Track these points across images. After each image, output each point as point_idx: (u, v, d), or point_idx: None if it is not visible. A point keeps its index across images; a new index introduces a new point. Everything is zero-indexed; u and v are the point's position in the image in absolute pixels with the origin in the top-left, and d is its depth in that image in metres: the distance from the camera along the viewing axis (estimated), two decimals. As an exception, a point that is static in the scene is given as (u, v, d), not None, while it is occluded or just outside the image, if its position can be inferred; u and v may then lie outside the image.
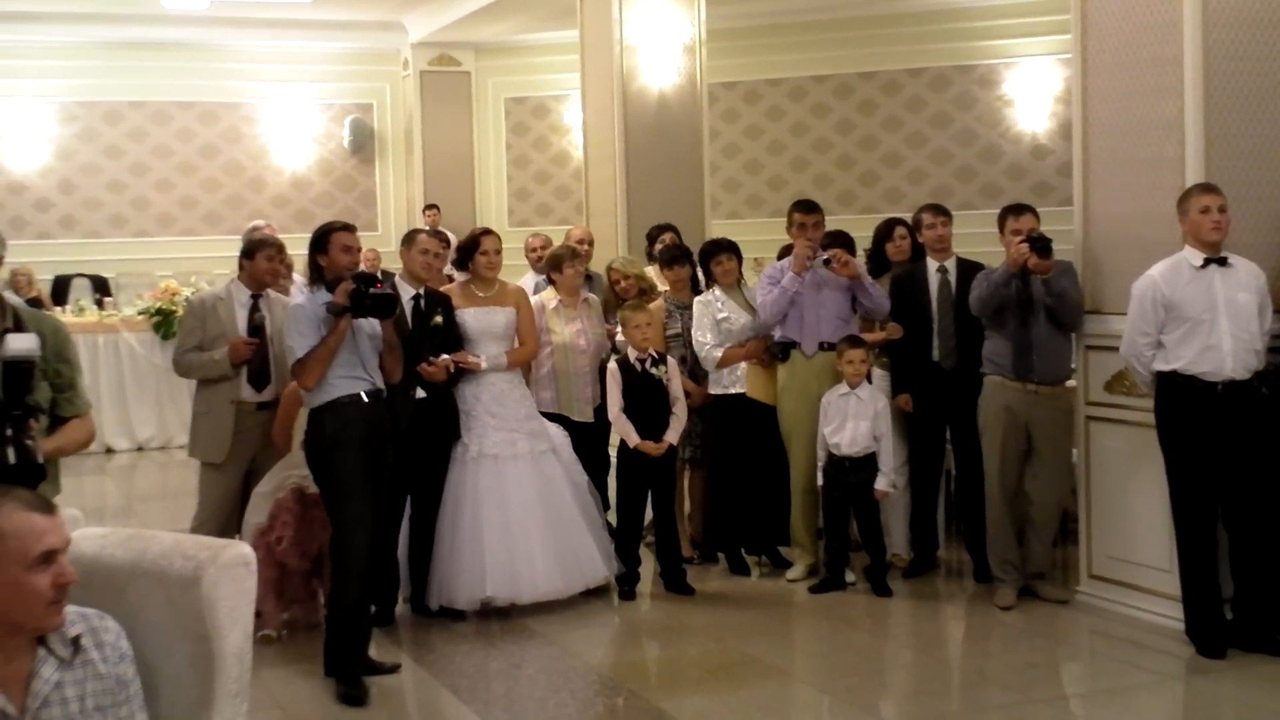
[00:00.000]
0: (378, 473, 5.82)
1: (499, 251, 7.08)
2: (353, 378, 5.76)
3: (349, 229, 5.98)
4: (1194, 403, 5.86)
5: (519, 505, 6.78)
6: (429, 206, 15.31)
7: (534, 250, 9.15)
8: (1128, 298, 6.13)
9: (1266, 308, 5.99)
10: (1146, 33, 6.35)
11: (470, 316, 6.92)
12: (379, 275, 6.14)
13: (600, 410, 7.45)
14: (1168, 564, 6.19)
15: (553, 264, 7.61)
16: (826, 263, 7.11)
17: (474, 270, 7.06)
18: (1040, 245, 6.52)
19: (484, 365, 6.85)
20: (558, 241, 8.42)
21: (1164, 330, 5.95)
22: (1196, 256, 5.92)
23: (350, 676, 5.64)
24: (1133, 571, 6.46)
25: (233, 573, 3.09)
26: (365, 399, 5.77)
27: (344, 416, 5.72)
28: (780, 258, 7.65)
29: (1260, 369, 5.99)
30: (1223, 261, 5.93)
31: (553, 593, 6.76)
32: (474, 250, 7.06)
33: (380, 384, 5.89)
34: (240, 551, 3.14)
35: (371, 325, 5.80)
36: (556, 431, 7.18)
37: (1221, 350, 5.87)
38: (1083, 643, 6.36)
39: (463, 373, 6.82)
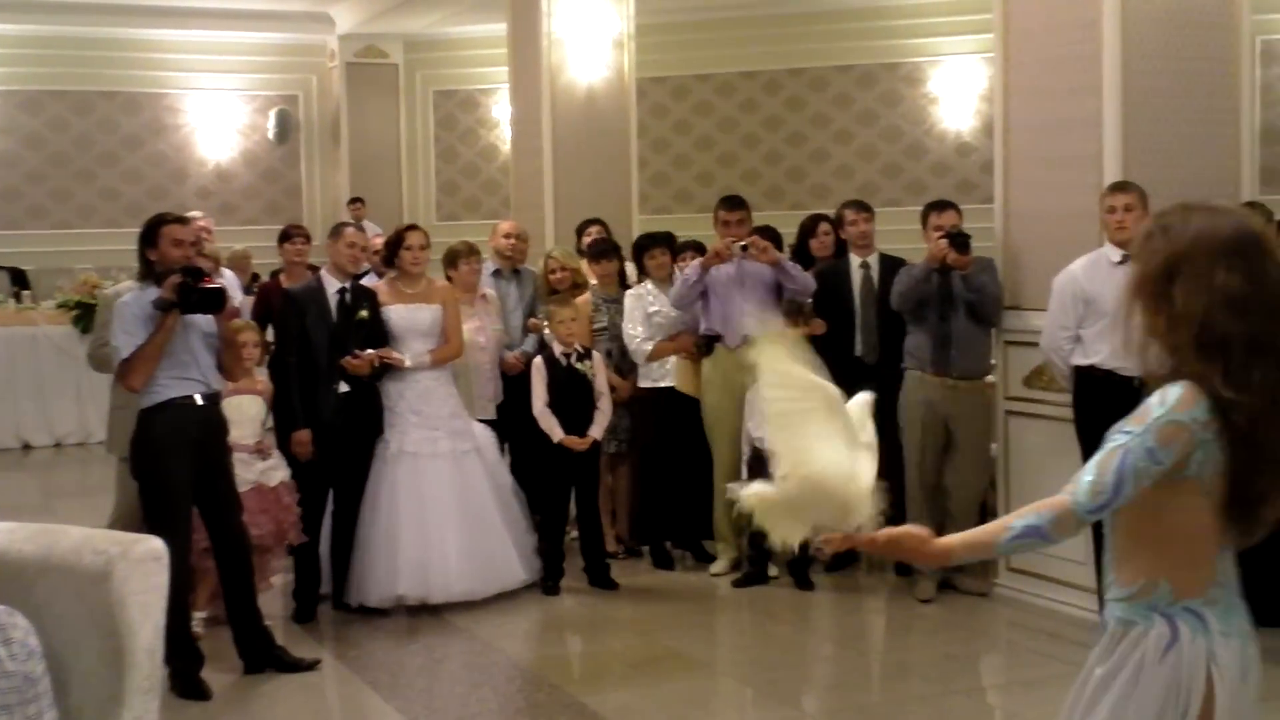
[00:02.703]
0: (213, 479, 5.63)
1: (424, 247, 7.03)
2: (185, 379, 5.51)
3: (181, 221, 5.73)
4: (1111, 397, 5.92)
5: (436, 504, 6.74)
6: (354, 200, 15.19)
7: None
8: (1047, 293, 6.22)
9: (1182, 304, 6.07)
10: (1066, 31, 6.42)
11: (396, 313, 6.86)
12: (205, 270, 5.81)
13: (502, 408, 7.45)
14: (1083, 556, 6.26)
15: (448, 260, 7.59)
16: (744, 248, 7.15)
17: (399, 266, 7.00)
18: (959, 241, 6.59)
19: (408, 363, 6.80)
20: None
21: (1082, 325, 6.03)
22: (1115, 252, 6.00)
23: (180, 675, 5.48)
24: (1049, 564, 6.54)
25: (144, 568, 3.06)
26: (198, 401, 5.54)
27: (175, 420, 5.48)
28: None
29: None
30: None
31: (466, 593, 6.72)
32: (399, 246, 7.00)
33: (216, 385, 5.67)
34: (151, 546, 3.10)
35: (206, 323, 5.55)
36: (481, 432, 7.15)
37: (1138, 345, 5.94)
38: (1000, 634, 6.44)
39: (388, 368, 6.78)
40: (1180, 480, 2.43)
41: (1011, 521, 2.55)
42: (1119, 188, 6.01)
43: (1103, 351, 5.97)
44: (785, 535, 2.77)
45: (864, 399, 2.94)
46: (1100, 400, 5.96)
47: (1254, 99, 11.34)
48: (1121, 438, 2.45)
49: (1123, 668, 2.54)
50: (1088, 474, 2.47)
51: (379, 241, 8.62)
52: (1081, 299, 6.03)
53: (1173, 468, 2.42)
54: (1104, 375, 5.97)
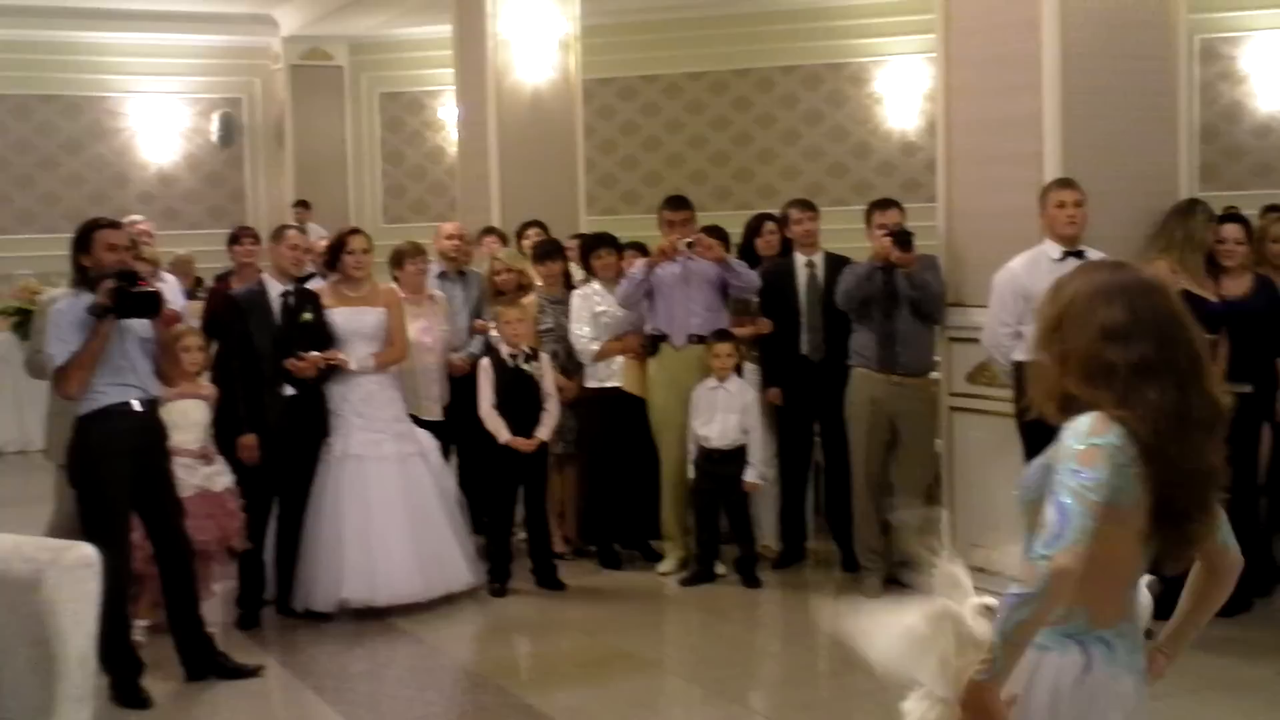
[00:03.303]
0: (153, 485, 5.56)
1: (367, 251, 6.98)
2: (122, 385, 5.42)
3: (114, 225, 5.66)
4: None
5: (381, 507, 6.70)
6: (298, 203, 15.07)
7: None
8: (989, 290, 6.25)
9: (1121, 299, 6.14)
10: (1007, 31, 6.46)
11: (340, 316, 6.82)
12: (140, 273, 5.72)
13: (449, 409, 7.43)
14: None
15: (394, 261, 7.56)
16: (690, 245, 7.16)
17: (342, 270, 6.96)
18: (901, 239, 6.63)
19: (353, 366, 6.76)
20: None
21: (1023, 321, 6.06)
22: (1055, 249, 6.05)
23: (120, 684, 5.42)
24: (993, 558, 6.57)
25: (75, 575, 3.02)
26: (136, 407, 5.46)
27: (112, 427, 5.39)
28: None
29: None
30: (1080, 254, 6.05)
31: (412, 596, 6.68)
32: (341, 250, 6.96)
33: (154, 391, 5.59)
34: (83, 553, 3.06)
35: (143, 328, 5.47)
36: (425, 436, 7.11)
37: (1077, 341, 6.00)
38: (948, 629, 6.46)
39: (334, 371, 6.73)
40: (1100, 509, 2.47)
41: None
42: (1066, 184, 6.06)
43: (1044, 347, 6.01)
44: None
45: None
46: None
47: (1193, 97, 11.47)
48: (1056, 489, 2.47)
49: (1038, 692, 2.58)
50: (1042, 533, 2.47)
51: (324, 245, 8.56)
52: (1022, 295, 6.06)
53: (1105, 500, 2.46)
54: (1045, 371, 6.00)
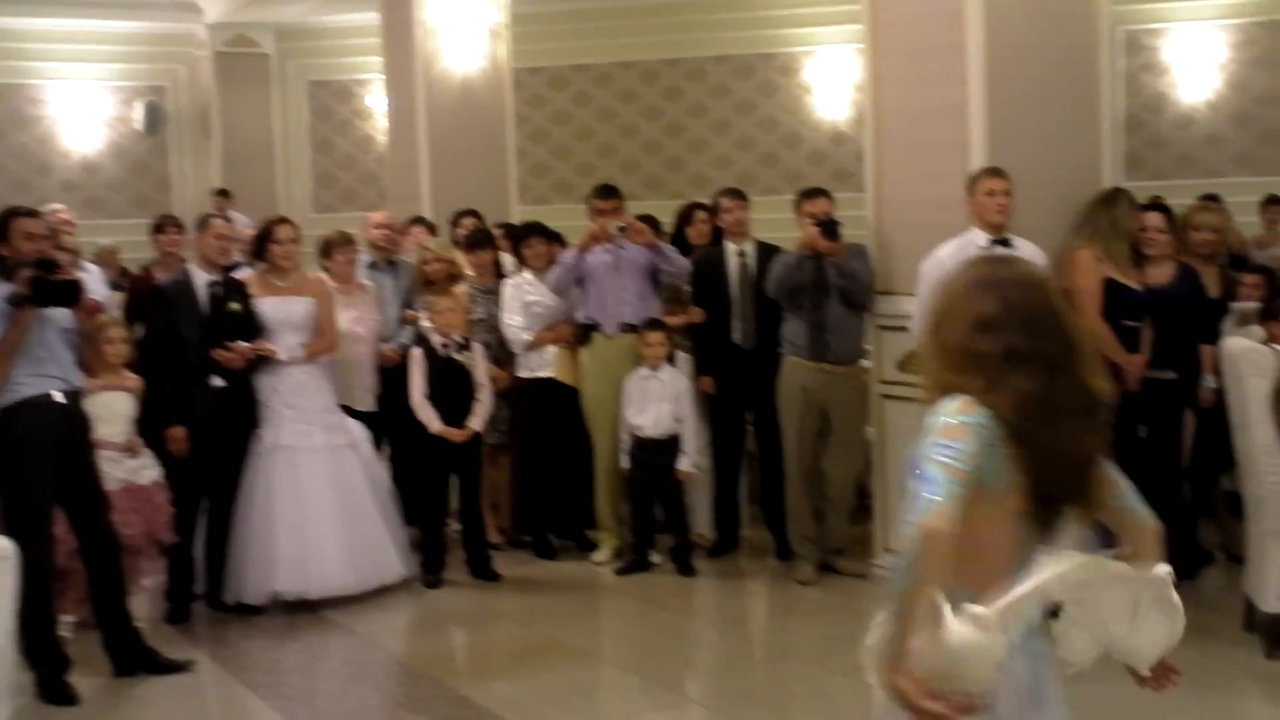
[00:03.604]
0: (78, 478, 5.49)
1: (294, 240, 6.92)
2: (43, 376, 5.35)
3: (33, 214, 5.58)
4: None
5: (313, 498, 6.66)
6: (218, 191, 14.86)
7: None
8: (918, 278, 6.30)
9: (1048, 287, 6.22)
10: (933, 21, 6.52)
11: (268, 306, 6.76)
12: (59, 262, 5.66)
13: (382, 400, 7.40)
14: (958, 536, 6.37)
15: (323, 251, 7.51)
16: (621, 229, 7.18)
17: (269, 260, 6.89)
18: (827, 228, 6.67)
19: (282, 356, 6.71)
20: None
21: (951, 310, 6.12)
22: (982, 237, 6.12)
23: (46, 680, 5.34)
24: (925, 545, 6.65)
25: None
26: (59, 399, 5.39)
27: (34, 419, 5.32)
28: None
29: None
30: (1006, 243, 6.13)
31: (345, 588, 6.65)
32: (268, 239, 6.89)
33: (77, 382, 5.53)
34: None
35: (64, 318, 5.40)
36: (356, 427, 7.07)
37: (1005, 328, 6.07)
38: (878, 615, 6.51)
39: (263, 361, 6.67)
40: (974, 490, 2.53)
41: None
42: (995, 173, 6.13)
43: (972, 335, 6.08)
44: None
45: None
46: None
47: (1117, 88, 11.61)
48: (923, 462, 2.53)
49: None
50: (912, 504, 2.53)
51: (250, 234, 8.48)
52: (950, 283, 6.12)
53: (972, 470, 2.52)
54: (973, 358, 6.07)
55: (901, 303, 6.63)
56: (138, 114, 15.81)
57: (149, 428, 6.45)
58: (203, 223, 6.82)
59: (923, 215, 6.57)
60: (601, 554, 7.42)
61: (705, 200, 8.33)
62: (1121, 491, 2.75)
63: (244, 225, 9.64)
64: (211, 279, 6.60)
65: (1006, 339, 2.61)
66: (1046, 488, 2.61)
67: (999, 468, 2.57)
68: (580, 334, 7.37)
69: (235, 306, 6.59)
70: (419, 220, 9.16)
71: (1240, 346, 5.69)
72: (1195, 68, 12.04)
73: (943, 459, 2.51)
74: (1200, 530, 7.07)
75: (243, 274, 7.04)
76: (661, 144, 14.55)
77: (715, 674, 5.92)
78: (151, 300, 6.85)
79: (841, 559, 7.00)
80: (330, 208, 15.44)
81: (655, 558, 7.26)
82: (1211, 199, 9.46)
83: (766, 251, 7.32)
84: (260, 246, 6.95)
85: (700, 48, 14.33)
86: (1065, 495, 2.65)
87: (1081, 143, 6.64)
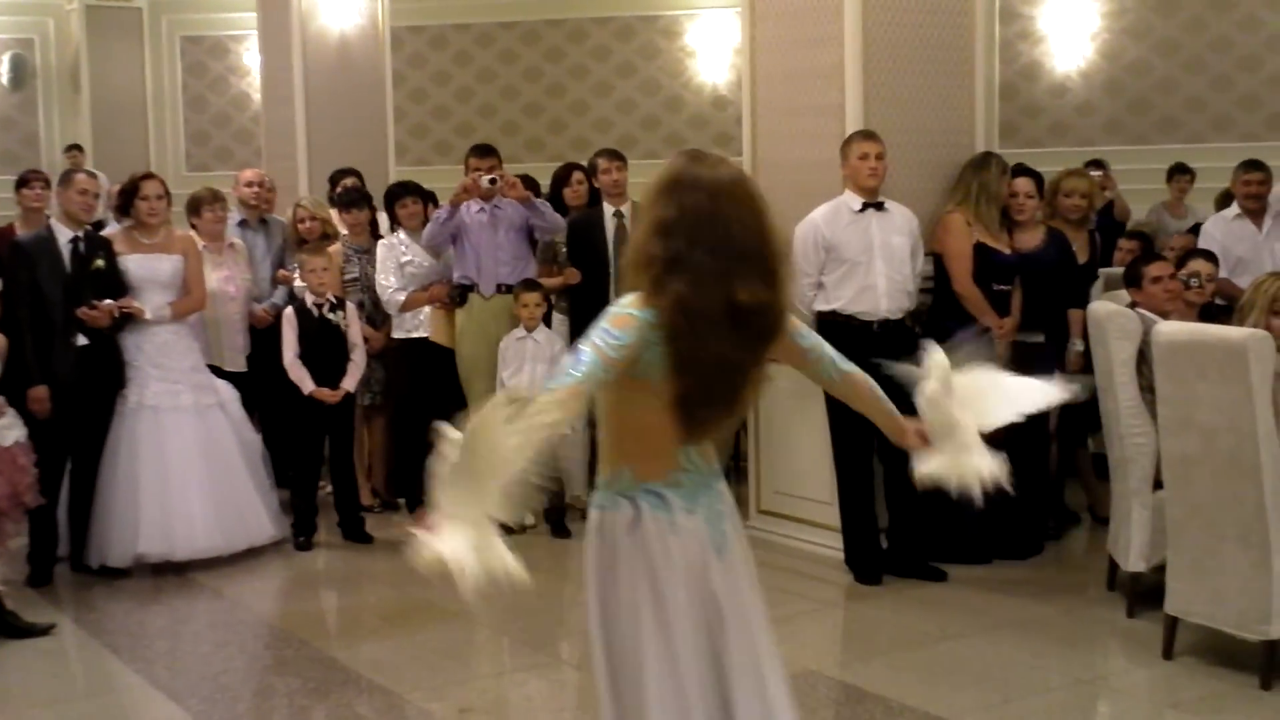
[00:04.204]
0: None
1: (161, 197, 6.77)
2: None
3: None
4: (851, 341, 5.99)
5: (178, 459, 6.54)
6: (71, 147, 14.45)
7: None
8: (792, 241, 6.33)
9: (918, 251, 6.30)
10: (810, -17, 6.54)
11: (134, 263, 6.62)
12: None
13: (252, 359, 7.28)
14: (829, 497, 6.45)
15: (191, 208, 7.36)
16: (492, 182, 7.12)
17: (135, 216, 6.73)
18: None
19: (148, 315, 6.56)
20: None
21: (824, 271, 6.17)
22: (855, 201, 6.16)
23: None
24: (797, 505, 6.71)
25: None
26: None
27: None
28: None
29: (912, 309, 6.30)
30: (880, 206, 6.19)
31: (212, 550, 6.56)
32: (134, 195, 6.73)
33: None
34: None
35: None
36: (225, 387, 6.95)
37: (877, 291, 6.13)
38: (751, 575, 6.57)
39: (128, 319, 6.52)
40: (634, 379, 2.78)
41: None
42: (868, 136, 6.16)
43: (844, 297, 6.14)
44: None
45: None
46: (841, 344, 6.07)
47: (993, 55, 11.76)
48: (584, 341, 2.77)
49: (602, 546, 2.95)
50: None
51: (115, 190, 8.27)
52: (823, 246, 6.16)
53: (629, 361, 2.74)
54: (845, 320, 6.13)
55: (776, 265, 6.65)
56: (3, 68, 15.33)
57: (12, 387, 6.27)
58: (65, 178, 6.65)
59: (799, 178, 6.60)
60: (476, 516, 7.36)
61: (582, 162, 8.28)
62: (824, 352, 3.10)
63: (104, 184, 9.40)
64: (74, 235, 6.43)
65: (673, 245, 2.77)
66: (693, 390, 2.80)
67: (658, 362, 2.77)
68: (456, 295, 7.31)
69: (100, 264, 6.43)
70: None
71: (1105, 310, 5.81)
72: (1069, 36, 12.21)
73: (599, 342, 2.72)
74: (1066, 492, 7.23)
75: (109, 231, 6.87)
76: (542, 106, 14.46)
77: (586, 635, 5.90)
78: (11, 256, 6.65)
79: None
80: (204, 166, 15.11)
81: (529, 519, 7.22)
82: (1097, 164, 9.63)
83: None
84: (126, 202, 6.78)
85: (582, 9, 14.25)
86: (709, 400, 2.83)
87: (956, 108, 6.72)
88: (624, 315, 2.75)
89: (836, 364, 3.15)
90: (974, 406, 3.12)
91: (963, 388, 3.11)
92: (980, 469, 3.06)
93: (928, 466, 3.12)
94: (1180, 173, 10.29)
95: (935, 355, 3.13)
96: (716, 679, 2.92)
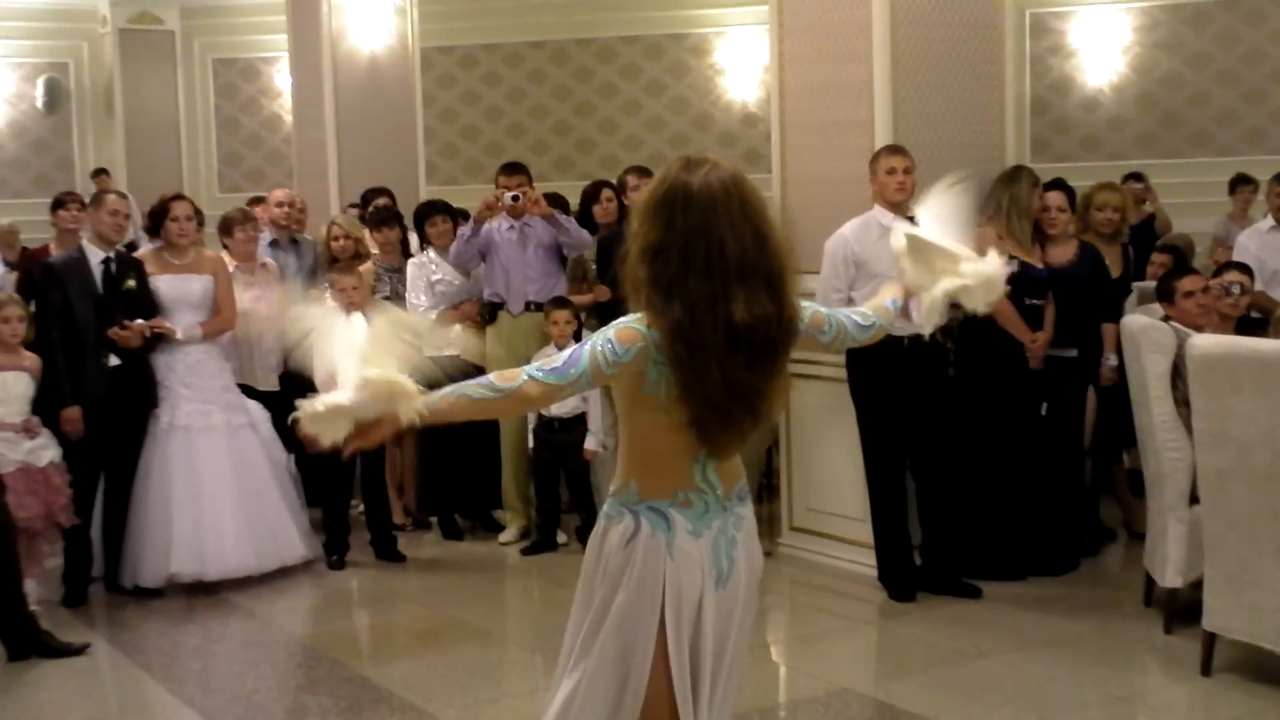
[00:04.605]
0: None
1: (190, 218, 6.80)
2: None
3: None
4: (882, 358, 6.06)
5: (210, 478, 6.56)
6: (98, 171, 14.55)
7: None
8: (822, 256, 6.31)
9: (950, 265, 6.26)
10: (838, -1, 6.53)
11: (164, 284, 6.66)
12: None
13: (285, 378, 7.30)
14: (862, 514, 6.42)
15: (223, 228, 7.39)
16: (515, 199, 7.13)
17: (165, 237, 6.77)
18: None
19: (179, 335, 6.60)
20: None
21: (854, 287, 6.14)
22: (885, 215, 6.13)
23: None
24: (830, 522, 6.68)
25: None
26: None
27: None
28: None
29: (943, 324, 6.24)
30: (910, 221, 6.15)
31: (243, 569, 6.57)
32: (164, 216, 6.77)
33: None
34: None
35: None
36: (256, 407, 6.97)
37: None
38: (784, 592, 6.54)
39: (159, 340, 6.56)
40: (641, 394, 2.79)
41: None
42: (896, 151, 6.14)
43: (875, 313, 6.10)
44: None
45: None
46: (872, 361, 6.09)
47: (1023, 70, 11.73)
48: (586, 341, 2.79)
49: (599, 553, 2.93)
50: (549, 361, 2.80)
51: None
52: (852, 261, 6.14)
53: (632, 376, 2.76)
54: (876, 335, 6.09)
55: (806, 281, 6.58)
56: (38, 92, 15.47)
57: (45, 407, 6.32)
58: (96, 199, 6.69)
59: (828, 193, 6.58)
60: (508, 534, 7.38)
61: (612, 179, 8.29)
62: (845, 340, 3.09)
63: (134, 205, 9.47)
64: (105, 255, 6.47)
65: (666, 271, 2.73)
66: (698, 412, 2.76)
67: (663, 380, 2.76)
68: (486, 313, 7.32)
69: (131, 284, 6.47)
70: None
71: (1139, 324, 5.76)
72: (1100, 50, 12.17)
73: (599, 351, 2.73)
74: (1102, 507, 7.17)
75: (140, 252, 6.92)
76: (571, 125, 14.49)
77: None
78: (43, 277, 6.70)
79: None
80: (236, 187, 15.20)
81: (562, 538, 7.23)
82: (1137, 177, 9.57)
83: (673, 230, 7.29)
84: (157, 223, 6.82)
85: (611, 28, 14.28)
86: (716, 421, 2.78)
87: (985, 122, 6.68)
88: (631, 330, 2.75)
89: (861, 327, 3.14)
90: (944, 240, 3.35)
91: (928, 236, 3.35)
92: (979, 271, 3.28)
93: (929, 296, 3.32)
94: (1243, 183, 10.21)
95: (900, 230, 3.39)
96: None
